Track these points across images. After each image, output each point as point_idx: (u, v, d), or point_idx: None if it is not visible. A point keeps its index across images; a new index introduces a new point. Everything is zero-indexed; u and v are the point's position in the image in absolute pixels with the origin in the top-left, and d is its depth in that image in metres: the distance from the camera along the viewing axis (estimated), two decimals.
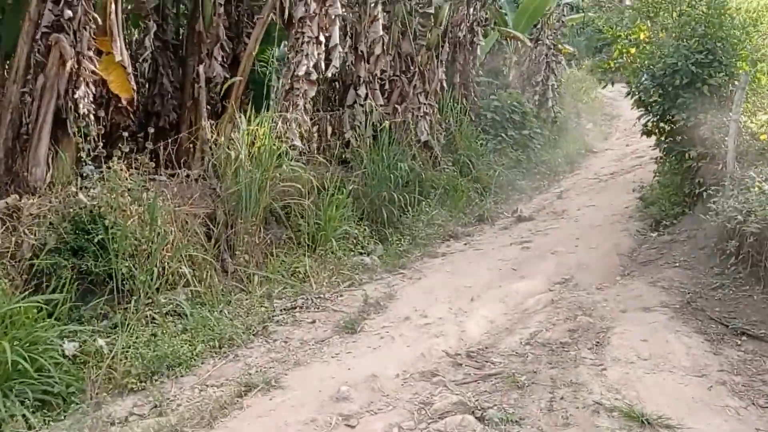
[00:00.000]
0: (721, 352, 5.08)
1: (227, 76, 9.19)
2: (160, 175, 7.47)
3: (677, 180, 9.15)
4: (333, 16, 9.08)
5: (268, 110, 8.69)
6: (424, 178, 10.39)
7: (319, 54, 8.90)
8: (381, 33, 10.25)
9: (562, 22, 17.54)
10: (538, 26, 17.49)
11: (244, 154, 7.47)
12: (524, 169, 14.14)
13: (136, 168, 6.75)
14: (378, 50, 10.43)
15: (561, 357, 5.19)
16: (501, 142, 14.20)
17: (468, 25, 14.21)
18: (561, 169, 15.57)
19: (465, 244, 9.41)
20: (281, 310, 6.75)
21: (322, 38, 8.98)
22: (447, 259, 8.60)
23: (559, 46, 17.44)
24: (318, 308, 6.82)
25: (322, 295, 7.14)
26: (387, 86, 12.06)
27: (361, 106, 10.96)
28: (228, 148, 7.74)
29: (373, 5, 9.96)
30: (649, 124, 9.81)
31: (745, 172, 7.21)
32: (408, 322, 6.25)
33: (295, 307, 6.85)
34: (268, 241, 7.93)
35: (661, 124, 9.47)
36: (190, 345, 5.63)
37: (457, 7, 13.40)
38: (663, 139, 9.51)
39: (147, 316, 5.95)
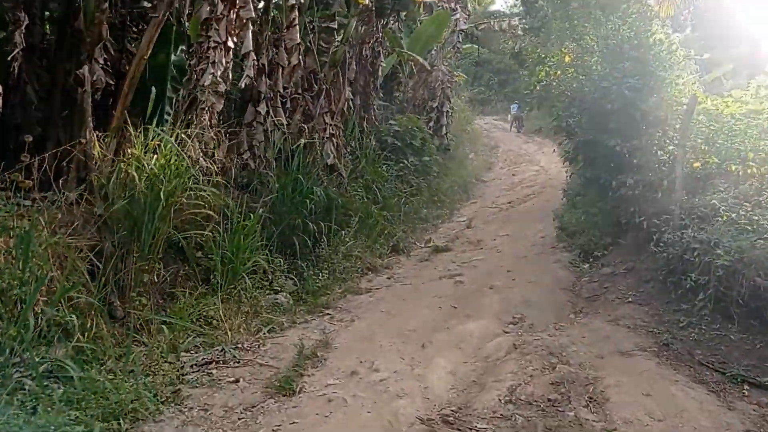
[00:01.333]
0: (734, 407, 4.55)
1: (111, 81, 7.73)
2: (30, 197, 5.91)
3: (606, 208, 8.82)
4: (245, 20, 7.94)
5: (161, 124, 7.39)
6: (339, 205, 9.34)
7: (227, 62, 7.71)
8: (298, 40, 9.16)
9: (458, 48, 17.37)
10: (432, 52, 17.21)
11: (147, 172, 6.09)
12: (425, 197, 13.58)
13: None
14: (294, 60, 9.31)
15: (558, 420, 4.40)
16: (403, 168, 13.54)
17: (370, 44, 13.46)
18: (458, 197, 15.31)
19: (388, 277, 8.53)
20: (193, 366, 5.46)
21: (230, 44, 7.79)
22: (374, 295, 7.65)
23: (455, 72, 17.26)
24: (239, 362, 5.59)
25: (240, 345, 5.93)
26: (288, 104, 10.97)
27: (261, 124, 9.75)
28: (120, 165, 6.33)
29: (288, 9, 8.84)
30: (572, 150, 9.50)
31: (694, 201, 6.90)
32: (357, 378, 5.20)
33: (210, 362, 5.58)
34: (169, 280, 6.57)
35: (586, 151, 9.16)
36: (80, 425, 4.18)
37: (365, 24, 12.60)
38: (586, 166, 9.20)
39: (18, 383, 4.45)
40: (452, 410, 4.65)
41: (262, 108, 9.67)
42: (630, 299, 6.82)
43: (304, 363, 5.49)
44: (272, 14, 9.91)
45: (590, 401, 4.62)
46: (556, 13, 11.74)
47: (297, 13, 9.01)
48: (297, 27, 9.07)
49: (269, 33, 9.79)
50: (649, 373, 4.99)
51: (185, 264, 7.00)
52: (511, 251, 9.57)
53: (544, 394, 4.75)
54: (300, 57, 9.37)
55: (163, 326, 5.78)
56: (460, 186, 15.94)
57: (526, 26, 18.08)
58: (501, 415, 4.50)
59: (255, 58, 8.40)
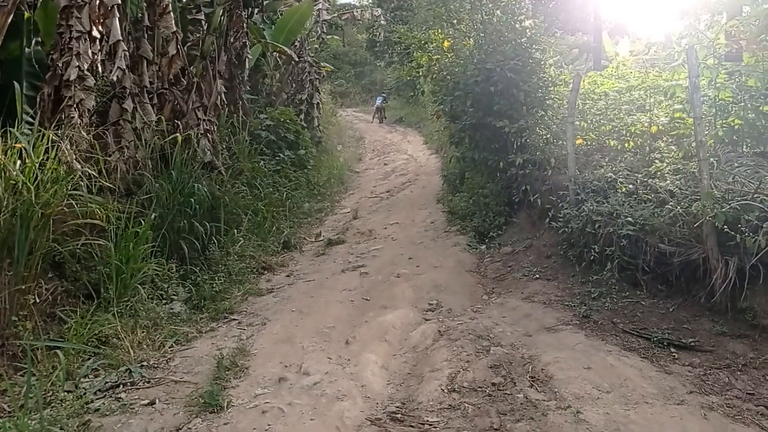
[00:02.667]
0: (670, 371, 4.72)
1: None
2: None
3: (496, 189, 9.01)
4: (110, 6, 7.18)
5: (20, 125, 6.50)
6: (224, 204, 8.78)
7: (94, 53, 6.93)
8: (174, 29, 8.44)
9: (323, 39, 17.08)
10: (297, 43, 16.80)
11: (14, 180, 5.30)
12: (305, 191, 13.26)
13: None
14: (172, 50, 8.58)
15: (509, 403, 4.32)
16: (279, 162, 13.09)
17: (236, 35, 12.82)
18: (336, 190, 15.12)
19: (287, 275, 8.15)
20: (97, 393, 4.84)
21: (96, 33, 7.01)
22: (279, 295, 7.25)
23: (321, 63, 16.96)
24: (149, 382, 5.03)
25: (146, 362, 5.34)
26: (156, 100, 10.15)
27: (128, 122, 8.91)
28: None
29: None
30: (457, 133, 9.61)
31: (586, 177, 7.17)
32: (287, 384, 4.84)
33: (117, 385, 4.98)
34: (51, 299, 5.79)
35: (470, 133, 9.30)
36: None
37: (231, 14, 11.95)
38: (473, 148, 9.34)
39: None
40: (397, 406, 4.45)
41: (129, 105, 8.82)
42: (537, 276, 6.98)
43: (225, 374, 5.04)
44: (129, 2, 9.12)
45: (534, 380, 4.61)
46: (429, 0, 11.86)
47: None
48: (171, 14, 8.36)
49: (127, 23, 8.99)
50: (582, 346, 5.08)
51: (65, 280, 6.23)
52: (406, 239, 9.51)
53: (486, 379, 4.68)
54: (177, 47, 8.65)
55: (57, 351, 5.05)
56: (336, 178, 15.75)
57: (390, 16, 18.14)
58: (449, 405, 4.36)
59: (125, 48, 7.63)
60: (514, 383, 4.58)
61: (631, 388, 4.37)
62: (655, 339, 5.19)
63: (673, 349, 5.06)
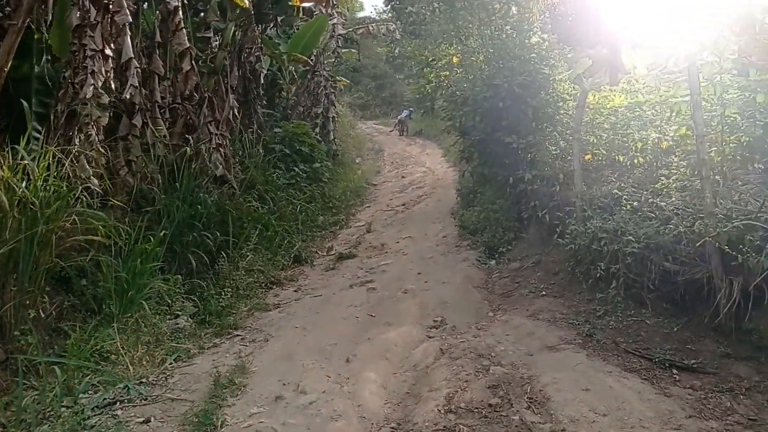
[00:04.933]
0: (670, 393, 4.60)
1: None
2: None
3: (506, 204, 8.96)
4: (121, 25, 7.32)
5: (29, 142, 6.62)
6: (234, 217, 8.84)
7: (107, 71, 7.06)
8: (187, 45, 8.54)
9: (338, 53, 17.19)
10: (312, 57, 16.93)
11: (19, 196, 5.40)
12: (320, 204, 13.30)
13: None
14: (187, 66, 8.68)
15: (504, 426, 4.26)
16: (294, 176, 13.16)
17: (250, 50, 12.97)
18: (352, 203, 15.11)
19: (295, 290, 8.17)
20: (94, 409, 4.85)
21: (108, 51, 7.14)
22: (284, 311, 7.27)
23: (338, 77, 17.06)
24: (146, 399, 5.04)
25: (145, 379, 5.36)
26: (168, 115, 10.28)
27: (136, 137, 8.99)
28: None
29: (172, 12, 8.20)
30: (467, 149, 9.58)
31: (593, 193, 7.09)
32: (283, 403, 4.83)
33: (114, 402, 4.98)
34: (56, 314, 5.87)
35: (480, 149, 9.26)
36: None
37: (245, 30, 12.10)
38: (483, 164, 9.30)
39: None
40: (392, 427, 4.43)
41: (138, 120, 8.93)
42: (543, 292, 6.90)
43: (222, 392, 5.04)
44: (141, 20, 9.28)
45: (531, 402, 4.53)
46: (440, 16, 11.88)
47: (182, 16, 8.41)
48: (184, 31, 8.48)
49: (138, 40, 9.14)
50: (582, 367, 4.99)
51: (71, 295, 6.32)
52: (416, 253, 9.49)
53: (483, 400, 4.62)
54: (191, 63, 8.76)
55: (54, 366, 5.10)
56: (352, 191, 15.78)
57: (407, 30, 18.19)
58: (444, 426, 4.30)
59: (137, 65, 7.76)
60: (511, 404, 4.52)
61: (629, 411, 4.27)
62: (657, 360, 5.07)
63: (675, 371, 4.94)
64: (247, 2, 10.78)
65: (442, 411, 4.52)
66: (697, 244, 5.32)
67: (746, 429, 4.09)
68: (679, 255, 5.61)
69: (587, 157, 8.10)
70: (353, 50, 20.92)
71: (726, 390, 4.63)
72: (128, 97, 7.70)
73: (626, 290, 6.08)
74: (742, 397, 4.53)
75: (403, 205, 14.56)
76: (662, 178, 6.55)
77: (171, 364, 5.73)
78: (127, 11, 7.40)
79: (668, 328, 5.56)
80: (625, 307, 6.00)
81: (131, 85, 7.57)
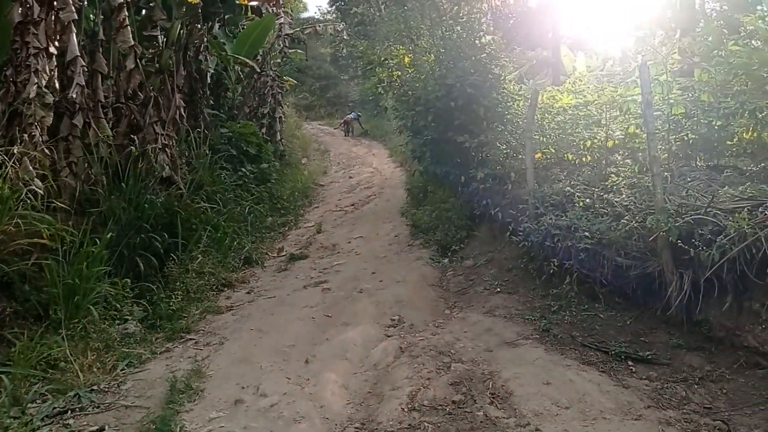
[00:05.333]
0: (628, 384, 4.71)
1: None
2: None
3: (458, 203, 9.03)
4: (66, 22, 7.03)
5: None
6: (183, 219, 8.60)
7: (51, 70, 6.77)
8: (131, 42, 8.25)
9: (285, 53, 16.99)
10: (258, 57, 16.69)
11: None
12: (268, 205, 13.11)
13: None
14: (131, 64, 8.39)
15: (469, 422, 4.27)
16: (242, 177, 12.94)
17: (197, 49, 12.67)
18: (300, 203, 14.97)
19: (247, 292, 8.02)
20: (44, 419, 4.65)
21: (52, 50, 6.85)
22: (238, 313, 7.12)
23: (285, 77, 16.86)
24: (99, 407, 4.86)
25: (96, 387, 5.17)
26: (112, 115, 9.93)
27: (77, 137, 8.64)
28: None
29: (117, 9, 7.88)
30: (419, 148, 9.62)
31: (545, 191, 7.22)
32: (243, 406, 4.73)
33: (65, 411, 4.80)
34: None
35: (432, 148, 9.31)
36: None
37: (190, 28, 11.80)
38: (435, 163, 9.35)
39: None
40: (356, 427, 4.38)
41: (79, 120, 8.58)
42: (498, 289, 6.99)
43: (179, 398, 4.89)
44: (84, 17, 8.95)
45: (494, 397, 4.57)
46: (389, 16, 11.89)
47: (126, 13, 8.12)
48: (128, 29, 8.19)
49: (82, 36, 8.80)
50: (541, 361, 5.06)
51: (14, 301, 6.02)
52: (369, 253, 9.46)
53: (446, 397, 4.63)
54: (136, 61, 8.48)
55: (1, 375, 4.85)
56: (300, 192, 15.62)
57: (354, 31, 18.13)
58: (408, 425, 4.29)
59: (83, 63, 7.48)
60: (475, 401, 4.54)
61: (590, 403, 4.36)
62: (613, 352, 5.20)
63: (630, 363, 5.07)
64: None
65: (406, 409, 4.50)
66: (650, 239, 5.48)
67: (702, 417, 4.22)
68: (630, 250, 5.77)
69: (538, 155, 8.26)
70: (299, 51, 20.73)
71: (680, 380, 4.78)
72: (74, 96, 7.39)
73: (579, 285, 6.22)
74: (696, 386, 4.68)
75: (353, 205, 14.52)
76: (612, 175, 6.73)
77: (123, 370, 5.53)
78: (72, 8, 7.12)
79: (622, 321, 5.71)
80: (579, 301, 6.13)
81: (77, 84, 7.31)
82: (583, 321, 5.82)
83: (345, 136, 28.40)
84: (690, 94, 6.89)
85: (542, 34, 19.36)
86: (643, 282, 5.70)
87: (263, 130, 16.05)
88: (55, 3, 6.94)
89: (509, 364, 5.06)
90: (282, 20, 17.02)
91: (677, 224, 5.21)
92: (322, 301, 7.27)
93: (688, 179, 6.12)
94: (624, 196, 6.22)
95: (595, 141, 7.84)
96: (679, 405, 4.39)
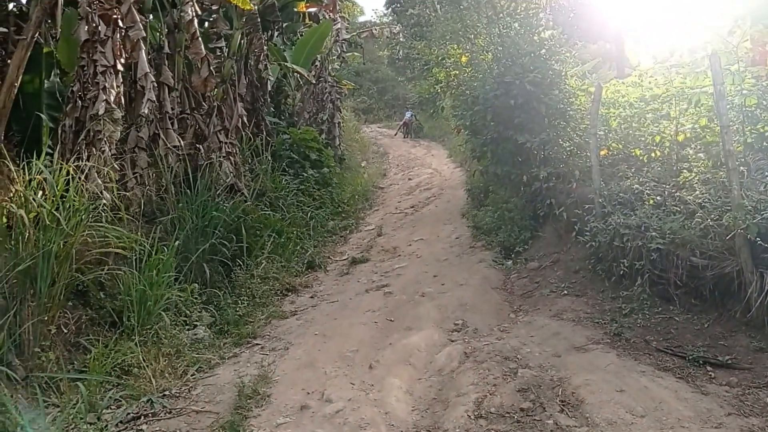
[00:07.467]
0: (707, 391, 4.50)
1: None
2: None
3: (520, 203, 8.86)
4: (135, 39, 7.27)
5: (40, 156, 6.56)
6: (247, 225, 8.77)
7: (118, 87, 7.01)
8: (204, 52, 8.43)
9: (343, 58, 17.13)
10: (317, 63, 16.88)
11: (36, 211, 5.34)
12: (329, 209, 13.22)
13: None
14: (205, 72, 8.61)
15: (539, 430, 4.17)
16: (303, 181, 13.10)
17: (257, 57, 12.91)
18: (361, 206, 15.01)
19: (311, 296, 8.09)
20: (119, 425, 4.80)
21: (120, 66, 7.09)
22: (302, 318, 7.19)
23: (343, 81, 16.99)
24: (171, 412, 4.98)
25: (168, 392, 5.30)
26: (177, 125, 10.22)
27: (143, 149, 8.91)
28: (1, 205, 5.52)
29: (187, 23, 8.06)
30: (479, 148, 9.49)
31: (612, 188, 7.00)
32: (309, 412, 4.76)
33: (138, 416, 4.94)
34: (75, 328, 5.81)
35: (492, 147, 9.16)
36: None
37: (250, 38, 12.04)
38: (495, 163, 9.20)
39: None
40: None
41: (145, 132, 8.85)
42: (565, 292, 6.80)
43: (247, 403, 4.97)
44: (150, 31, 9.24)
45: (564, 405, 4.43)
46: (445, 16, 11.80)
47: (197, 26, 8.31)
48: (200, 40, 8.38)
49: (147, 49, 9.09)
50: (614, 367, 4.89)
51: (90, 308, 6.25)
52: (430, 255, 9.40)
53: (514, 404, 4.52)
54: (209, 68, 8.69)
55: (78, 382, 5.03)
56: (360, 195, 15.69)
57: (410, 32, 18.15)
58: None
59: (153, 79, 7.73)
60: (544, 408, 4.42)
61: (667, 411, 4.17)
62: (690, 357, 4.97)
63: (709, 368, 4.84)
64: (253, 6, 10.69)
65: (473, 416, 4.42)
66: (727, 238, 5.23)
67: None
68: (706, 249, 5.52)
69: (603, 152, 8.01)
70: (357, 54, 20.87)
71: (763, 385, 4.53)
72: (146, 112, 7.65)
73: (652, 287, 5.99)
74: None
75: (412, 207, 14.46)
76: (683, 171, 6.45)
77: (193, 375, 5.66)
78: (141, 26, 7.35)
79: (698, 324, 5.46)
80: (651, 304, 5.90)
81: (148, 99, 7.54)
82: (657, 324, 5.59)
83: (404, 138, 28.38)
84: (764, 84, 6.55)
85: (604, 26, 18.84)
86: (721, 283, 5.44)
87: (323, 135, 16.22)
88: (121, 21, 7.16)
89: (579, 370, 4.90)
90: (339, 25, 17.15)
91: (756, 221, 4.95)
92: (385, 305, 7.26)
93: (766, 173, 5.81)
94: (697, 192, 5.95)
95: (665, 135, 7.53)
96: (762, 412, 4.15)
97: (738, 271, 5.23)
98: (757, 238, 4.91)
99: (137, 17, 7.41)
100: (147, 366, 5.57)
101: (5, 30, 7.78)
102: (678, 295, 5.76)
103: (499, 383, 4.88)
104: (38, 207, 5.58)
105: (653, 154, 7.72)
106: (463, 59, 9.74)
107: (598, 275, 6.69)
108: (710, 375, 4.75)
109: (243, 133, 11.38)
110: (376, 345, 6.08)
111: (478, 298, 7.13)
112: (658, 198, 6.23)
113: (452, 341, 6.01)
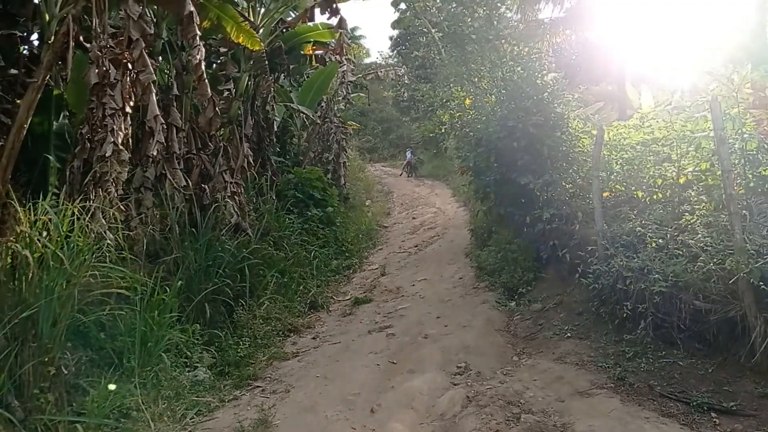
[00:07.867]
0: None
1: None
2: None
3: (523, 244, 8.86)
4: (146, 83, 7.40)
5: (46, 197, 6.62)
6: (251, 264, 8.77)
7: (126, 129, 7.11)
8: (210, 94, 8.54)
9: (348, 99, 17.36)
10: (323, 104, 17.11)
11: (41, 251, 5.37)
12: (333, 248, 13.24)
13: None
14: (210, 113, 8.70)
15: None
16: (307, 220, 13.14)
17: (263, 98, 13.09)
18: (364, 246, 15.03)
19: (313, 338, 8.04)
20: None
21: (128, 109, 7.20)
22: (303, 359, 7.13)
23: (348, 122, 17.19)
24: None
25: None
26: (183, 165, 10.32)
27: (149, 189, 8.98)
28: (6, 245, 5.55)
29: (196, 62, 8.17)
30: (482, 189, 9.54)
31: (614, 230, 7.00)
32: None
33: None
34: (74, 369, 5.77)
35: (495, 189, 9.21)
36: None
37: (258, 80, 12.24)
38: (498, 204, 9.24)
39: None
40: None
41: (151, 173, 8.93)
42: (568, 334, 6.75)
43: None
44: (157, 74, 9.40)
45: None
46: (449, 59, 12.00)
47: (203, 69, 8.45)
48: (206, 82, 8.51)
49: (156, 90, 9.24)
50: (617, 413, 4.82)
51: (90, 349, 6.22)
52: (433, 296, 9.37)
53: None
54: (215, 109, 8.81)
55: (77, 425, 4.98)
56: (364, 234, 15.73)
57: (415, 74, 18.43)
58: None
59: (163, 121, 7.84)
60: None
61: None
62: (694, 403, 4.89)
63: (713, 414, 4.76)
64: (262, 46, 10.87)
65: None
66: (730, 282, 5.20)
67: None
68: (709, 293, 5.49)
69: (606, 194, 8.04)
70: (362, 95, 21.14)
71: None
72: (154, 153, 7.75)
73: (655, 330, 5.94)
74: None
75: (416, 246, 14.48)
76: (686, 214, 6.46)
77: (192, 419, 5.61)
78: (151, 69, 7.48)
79: (703, 369, 5.40)
80: (655, 348, 5.85)
81: (157, 141, 7.64)
82: (661, 369, 5.52)
83: (408, 177, 28.59)
84: (765, 128, 6.60)
85: (606, 68, 19.08)
86: (725, 327, 5.40)
87: (328, 175, 16.35)
88: (131, 66, 7.29)
89: (583, 416, 4.84)
90: (345, 67, 17.41)
91: (758, 265, 4.93)
92: (387, 347, 7.21)
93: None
94: (700, 235, 5.94)
95: (666, 178, 7.57)
96: None
97: (742, 315, 5.19)
98: (761, 283, 4.88)
99: (148, 62, 7.54)
100: (146, 409, 5.51)
101: (16, 72, 7.93)
102: (682, 339, 5.70)
103: (501, 429, 4.82)
104: (43, 247, 5.61)
105: (655, 196, 7.75)
106: (467, 102, 9.87)
107: (602, 318, 6.65)
108: (714, 421, 4.68)
109: (248, 173, 11.48)
110: (378, 388, 6.02)
111: (482, 341, 7.08)
112: (661, 241, 6.22)
113: (455, 384, 5.95)
